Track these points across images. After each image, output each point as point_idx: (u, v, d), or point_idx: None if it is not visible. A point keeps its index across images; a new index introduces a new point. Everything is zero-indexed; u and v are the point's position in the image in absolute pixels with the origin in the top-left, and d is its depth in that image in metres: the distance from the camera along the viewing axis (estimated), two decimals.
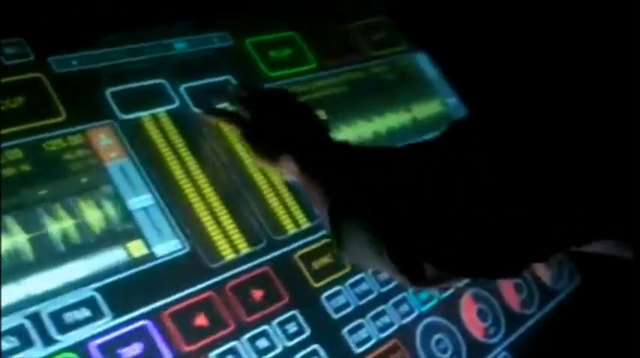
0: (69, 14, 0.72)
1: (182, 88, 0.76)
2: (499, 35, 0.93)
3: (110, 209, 0.66)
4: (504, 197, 0.49)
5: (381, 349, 0.72)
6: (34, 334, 0.58)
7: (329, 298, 0.73)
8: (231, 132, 0.75)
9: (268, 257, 0.72)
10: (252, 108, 0.71)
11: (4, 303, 0.58)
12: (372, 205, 0.55)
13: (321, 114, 0.82)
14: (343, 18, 0.92)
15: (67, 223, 0.64)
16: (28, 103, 0.68)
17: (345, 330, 0.72)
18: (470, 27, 0.94)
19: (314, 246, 0.75)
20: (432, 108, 0.93)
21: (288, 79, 0.83)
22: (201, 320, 0.65)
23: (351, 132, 0.84)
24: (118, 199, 0.67)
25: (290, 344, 0.68)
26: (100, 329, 0.61)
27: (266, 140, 0.69)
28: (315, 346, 0.69)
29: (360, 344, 0.72)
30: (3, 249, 0.60)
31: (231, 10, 0.82)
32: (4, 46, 0.69)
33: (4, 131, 0.65)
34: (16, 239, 0.61)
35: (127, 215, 0.67)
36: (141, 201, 0.68)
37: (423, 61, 0.96)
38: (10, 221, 0.62)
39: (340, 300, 0.73)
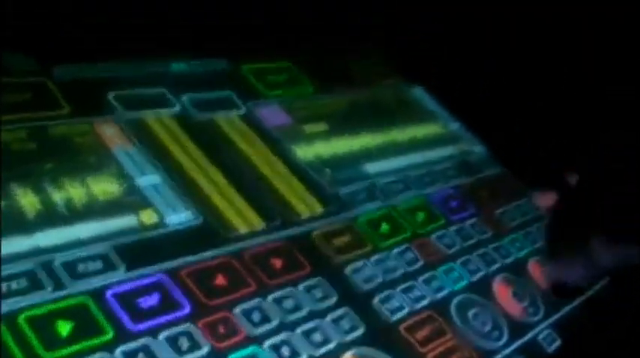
0: (70, 32, 0.74)
1: (184, 97, 0.76)
2: (496, 68, 0.95)
3: (119, 183, 0.65)
4: None
5: (417, 318, 0.68)
6: (44, 278, 0.55)
7: (354, 271, 0.69)
8: (239, 140, 0.75)
9: (284, 233, 0.69)
10: None
11: (12, 252, 0.55)
12: None
13: (322, 127, 0.82)
14: (339, 52, 0.95)
15: (75, 191, 0.62)
16: (32, 99, 0.68)
17: (375, 300, 0.67)
18: (466, 62, 0.96)
19: (332, 227, 0.72)
20: (433, 129, 0.93)
21: (286, 99, 0.84)
22: (220, 281, 0.62)
23: (351, 144, 0.83)
24: (126, 177, 0.65)
25: (318, 306, 0.64)
26: (114, 280, 0.57)
27: None
28: (346, 309, 0.65)
29: (393, 312, 0.67)
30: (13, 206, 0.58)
31: (226, 40, 0.84)
32: (9, 56, 0.70)
33: (5, 118, 0.65)
34: (26, 199, 0.59)
35: (136, 190, 0.65)
36: (149, 179, 0.66)
37: (420, 93, 0.97)
38: (18, 186, 0.60)
39: (366, 273, 0.69)
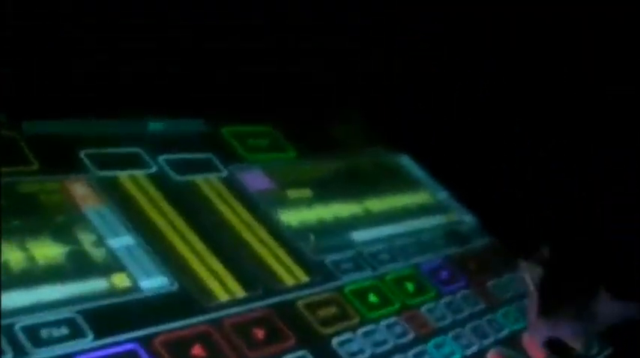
0: (42, 88, 0.71)
1: (160, 157, 0.72)
2: (481, 134, 0.93)
3: (89, 244, 0.60)
4: None
5: None
6: (4, 344, 0.50)
7: (341, 344, 0.64)
8: (220, 203, 0.71)
9: (267, 302, 0.64)
10: None
11: None
12: None
13: (306, 193, 0.79)
14: (320, 118, 0.91)
15: (41, 251, 0.57)
16: (0, 154, 0.63)
17: None
18: (452, 130, 0.93)
19: (317, 298, 0.67)
20: (420, 198, 0.90)
21: (268, 163, 0.80)
22: (197, 351, 0.57)
23: (336, 211, 0.79)
24: (97, 236, 0.61)
25: None
26: (81, 348, 0.52)
27: None
28: None
29: None
30: None
31: (204, 102, 0.81)
32: None
33: None
34: None
35: (107, 251, 0.60)
36: (122, 240, 0.62)
37: (406, 161, 0.94)
38: None
39: (354, 347, 0.64)
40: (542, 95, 0.92)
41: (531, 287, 0.72)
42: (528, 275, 0.75)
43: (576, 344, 0.76)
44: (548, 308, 0.71)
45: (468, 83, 0.94)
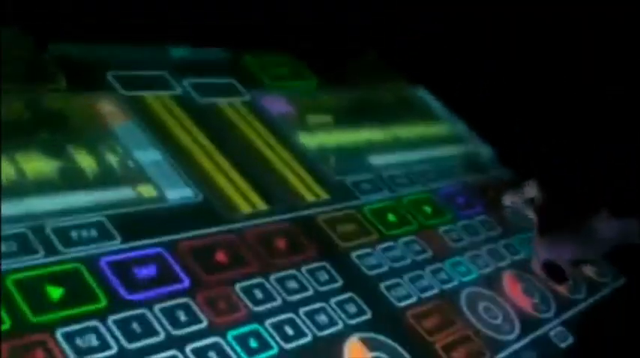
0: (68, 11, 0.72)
1: (184, 81, 0.74)
2: (496, 68, 0.94)
3: (117, 156, 0.62)
4: None
5: (425, 307, 0.65)
6: (36, 243, 0.52)
7: (360, 257, 0.66)
8: (243, 124, 0.72)
9: (288, 216, 0.66)
10: None
11: (4, 214, 0.52)
12: None
13: (326, 119, 0.80)
14: (341, 53, 0.92)
15: (70, 161, 0.59)
16: (29, 72, 0.65)
17: (382, 287, 0.64)
18: (466, 63, 0.94)
19: (337, 214, 0.69)
20: (438, 128, 0.91)
21: (290, 91, 0.81)
22: (221, 257, 0.59)
23: (355, 137, 0.81)
24: (124, 150, 0.63)
25: (323, 289, 0.61)
26: (109, 249, 0.54)
27: None
28: (351, 293, 0.62)
29: (400, 299, 0.64)
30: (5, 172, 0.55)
31: (227, 31, 0.82)
32: (6, 31, 0.68)
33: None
34: (19, 165, 0.56)
35: (134, 163, 0.62)
36: (148, 154, 0.64)
37: (423, 93, 0.95)
38: (13, 152, 0.57)
39: (372, 260, 0.66)
40: (559, 24, 0.92)
41: (530, 211, 0.73)
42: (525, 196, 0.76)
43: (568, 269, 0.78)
44: (548, 230, 0.72)
45: (482, 15, 0.95)
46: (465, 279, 0.70)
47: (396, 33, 0.97)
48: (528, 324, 0.69)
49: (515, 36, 0.93)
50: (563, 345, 0.69)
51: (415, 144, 0.85)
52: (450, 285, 0.68)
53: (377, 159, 0.79)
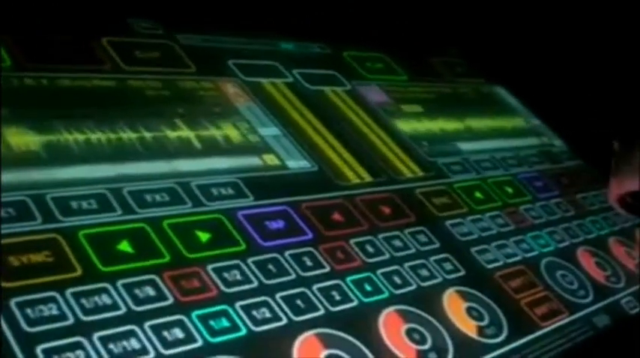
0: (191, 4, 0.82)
1: (294, 71, 0.83)
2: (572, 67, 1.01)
3: (243, 129, 0.71)
4: None
5: (510, 269, 0.73)
6: (184, 195, 0.61)
7: (453, 226, 0.74)
8: (346, 109, 0.82)
9: (390, 188, 0.74)
10: None
11: (154, 172, 0.61)
12: None
13: (417, 109, 0.89)
14: (426, 51, 1.02)
15: (205, 132, 0.68)
16: (162, 58, 0.75)
17: (472, 250, 0.72)
18: (542, 63, 1.02)
19: (432, 189, 0.77)
20: (516, 122, 0.99)
21: (385, 83, 0.90)
22: (337, 217, 0.67)
23: (444, 125, 0.89)
24: (249, 125, 0.72)
25: (423, 249, 0.69)
26: (244, 205, 0.63)
27: None
28: (447, 254, 0.70)
29: (489, 262, 0.72)
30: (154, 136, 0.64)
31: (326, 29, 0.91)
32: (139, 21, 0.78)
33: (139, 69, 0.72)
34: (160, 133, 0.66)
35: (258, 137, 0.71)
36: (269, 130, 0.73)
37: (501, 91, 1.04)
38: (154, 122, 0.66)
39: (464, 229, 0.74)
40: (629, 26, 0.99)
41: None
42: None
43: None
44: (627, 161, 0.79)
45: (561, 22, 1.03)
46: (545, 250, 0.78)
47: (476, 34, 1.05)
48: (601, 292, 0.76)
49: (586, 36, 1.00)
50: (632, 312, 0.77)
51: (495, 135, 0.94)
52: (531, 254, 0.76)
53: (464, 146, 0.87)
